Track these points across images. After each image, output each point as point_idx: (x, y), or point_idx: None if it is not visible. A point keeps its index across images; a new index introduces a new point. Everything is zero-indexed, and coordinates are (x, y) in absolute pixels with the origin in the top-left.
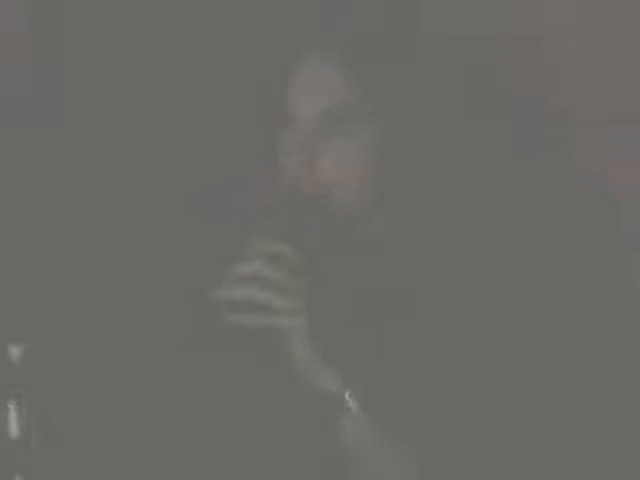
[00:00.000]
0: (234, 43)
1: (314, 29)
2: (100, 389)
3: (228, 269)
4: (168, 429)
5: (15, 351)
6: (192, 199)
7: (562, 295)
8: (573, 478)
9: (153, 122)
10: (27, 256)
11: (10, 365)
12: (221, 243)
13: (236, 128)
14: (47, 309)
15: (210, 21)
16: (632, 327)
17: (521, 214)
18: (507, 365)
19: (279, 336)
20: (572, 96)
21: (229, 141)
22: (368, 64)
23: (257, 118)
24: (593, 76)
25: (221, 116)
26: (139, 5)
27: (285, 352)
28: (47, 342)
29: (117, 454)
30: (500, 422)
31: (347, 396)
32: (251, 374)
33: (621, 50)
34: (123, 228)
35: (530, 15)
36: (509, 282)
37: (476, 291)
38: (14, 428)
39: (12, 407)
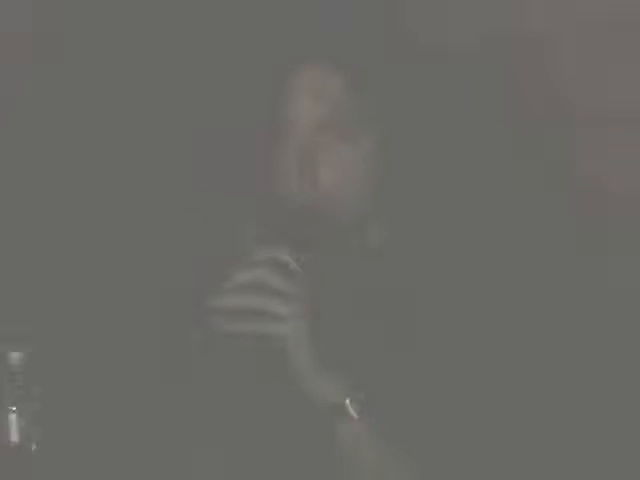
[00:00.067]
0: (233, 48)
1: (313, 34)
2: (100, 394)
3: (227, 276)
4: (168, 435)
5: (16, 356)
6: (191, 205)
7: (562, 296)
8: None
9: (153, 123)
10: (27, 258)
11: (11, 369)
12: (221, 250)
13: (234, 133)
14: (48, 314)
15: (210, 25)
16: (632, 327)
17: (521, 214)
18: (510, 372)
19: (278, 343)
20: (572, 96)
21: (227, 146)
22: (367, 69)
23: (255, 124)
24: (593, 76)
25: (219, 121)
26: (139, 5)
27: (284, 359)
28: (48, 347)
29: (117, 459)
30: (503, 430)
31: (347, 403)
32: (250, 381)
33: (621, 50)
34: (122, 233)
35: (530, 15)
36: (510, 285)
37: (477, 296)
38: (14, 432)
39: (13, 411)
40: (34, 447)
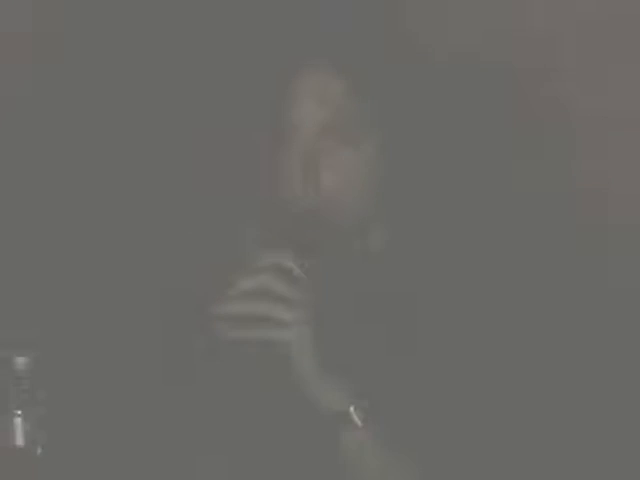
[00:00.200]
0: (236, 51)
1: (316, 39)
2: (105, 399)
3: (231, 283)
4: (172, 440)
5: (21, 360)
6: (195, 210)
7: (563, 298)
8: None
9: (154, 126)
10: (32, 263)
11: (16, 374)
12: (225, 255)
13: (237, 138)
14: (54, 319)
15: (212, 27)
16: (632, 327)
17: (522, 218)
18: (514, 377)
19: (282, 349)
20: (572, 96)
21: (231, 151)
22: (369, 73)
23: (259, 128)
24: (593, 76)
25: (223, 125)
26: (139, 5)
27: (288, 365)
28: (53, 351)
29: (121, 463)
30: (507, 436)
31: (351, 411)
32: (254, 387)
33: (621, 50)
34: (126, 238)
35: (530, 15)
36: (512, 289)
37: (480, 299)
38: (19, 437)
39: (18, 416)
40: (39, 451)
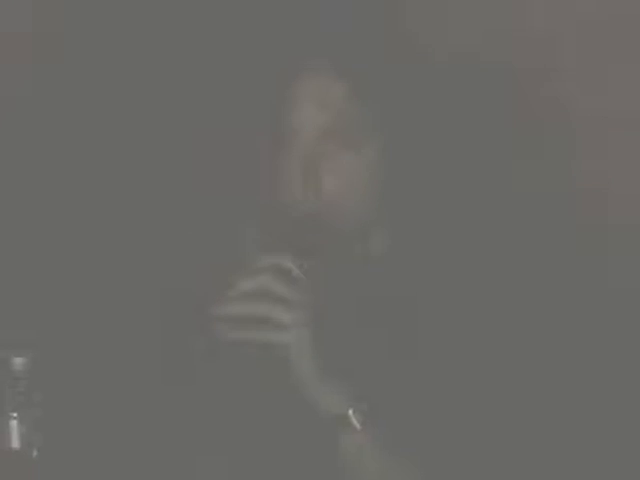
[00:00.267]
0: (235, 53)
1: (315, 42)
2: (102, 400)
3: (231, 284)
4: (170, 442)
5: (19, 361)
6: (195, 212)
7: (564, 299)
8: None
9: (154, 128)
10: (30, 264)
11: (13, 375)
12: (225, 257)
13: (238, 141)
14: (51, 319)
15: (212, 30)
16: (632, 327)
17: (522, 221)
18: (515, 381)
19: (282, 351)
20: (572, 96)
21: (231, 154)
22: (370, 77)
23: (259, 132)
24: (593, 76)
25: (223, 128)
26: (139, 5)
27: (287, 367)
28: (50, 353)
29: (118, 465)
30: (508, 440)
31: (350, 414)
32: (253, 389)
33: (621, 50)
34: (124, 239)
35: (530, 15)
36: (513, 292)
37: (481, 303)
38: (15, 439)
39: (14, 418)
40: (35, 453)
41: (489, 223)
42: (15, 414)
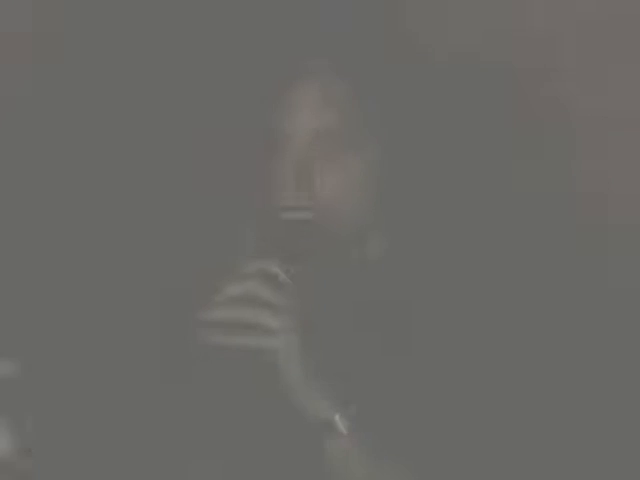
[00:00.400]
0: (235, 54)
1: (314, 42)
2: (94, 404)
3: (217, 289)
4: (161, 447)
5: (8, 365)
6: (188, 216)
7: (564, 299)
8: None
9: (151, 130)
10: (27, 262)
11: (3, 380)
12: (217, 262)
13: (231, 145)
14: (42, 323)
15: (212, 29)
16: (632, 327)
17: (522, 224)
18: (511, 385)
19: (270, 357)
20: (572, 96)
21: (224, 158)
22: (365, 82)
23: (252, 136)
24: (593, 76)
25: (216, 132)
26: (139, 6)
27: (275, 373)
28: (42, 357)
29: (111, 469)
30: (499, 446)
31: (337, 419)
32: (241, 395)
33: (621, 50)
34: (116, 243)
35: (530, 15)
36: (511, 297)
37: (478, 309)
38: (5, 444)
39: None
40: (30, 457)
41: (489, 224)
42: (9, 417)
